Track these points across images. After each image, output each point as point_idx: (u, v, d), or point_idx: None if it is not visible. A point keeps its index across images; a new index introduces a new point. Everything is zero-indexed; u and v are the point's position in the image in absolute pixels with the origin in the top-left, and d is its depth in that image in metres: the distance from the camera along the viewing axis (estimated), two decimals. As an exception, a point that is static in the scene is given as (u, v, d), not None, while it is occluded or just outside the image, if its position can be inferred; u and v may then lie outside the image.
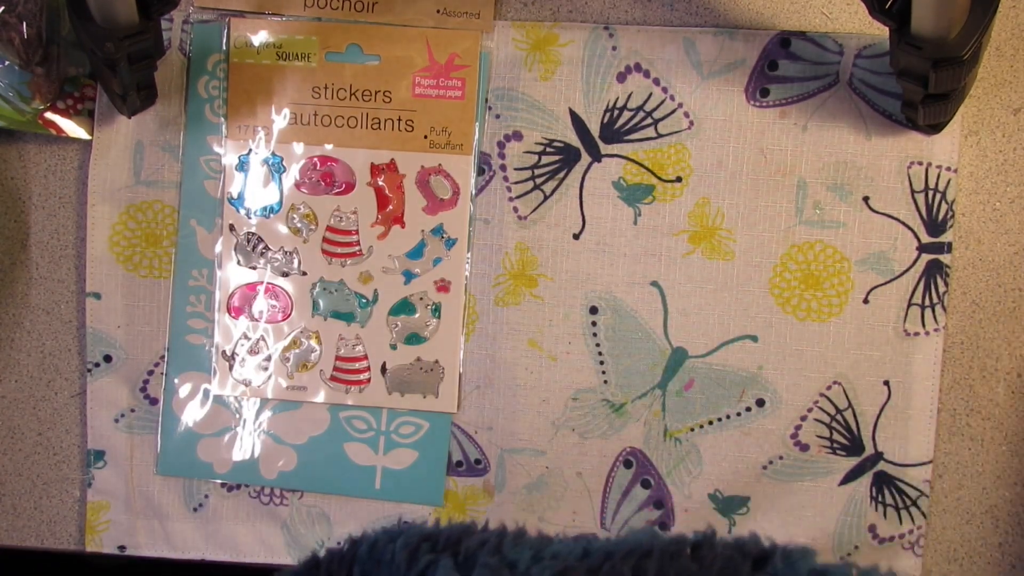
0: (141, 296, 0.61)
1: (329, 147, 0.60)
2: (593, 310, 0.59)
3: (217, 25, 0.60)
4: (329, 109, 0.59)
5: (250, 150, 0.60)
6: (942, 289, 0.58)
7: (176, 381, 0.61)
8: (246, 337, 0.60)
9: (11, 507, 0.63)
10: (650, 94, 0.58)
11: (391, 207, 0.60)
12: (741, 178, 0.58)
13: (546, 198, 0.59)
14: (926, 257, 0.58)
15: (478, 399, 0.60)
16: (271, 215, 0.60)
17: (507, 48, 0.59)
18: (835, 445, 0.59)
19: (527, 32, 0.59)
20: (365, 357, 0.60)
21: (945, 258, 0.58)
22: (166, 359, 0.61)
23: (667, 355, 0.59)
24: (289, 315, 0.60)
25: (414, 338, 0.60)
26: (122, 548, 0.62)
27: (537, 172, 0.59)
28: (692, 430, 0.59)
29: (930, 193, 0.57)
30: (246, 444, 0.61)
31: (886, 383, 0.58)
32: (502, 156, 0.59)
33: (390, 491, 0.61)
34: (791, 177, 0.58)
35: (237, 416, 0.61)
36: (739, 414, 0.59)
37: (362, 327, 0.60)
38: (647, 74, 0.58)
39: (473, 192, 0.60)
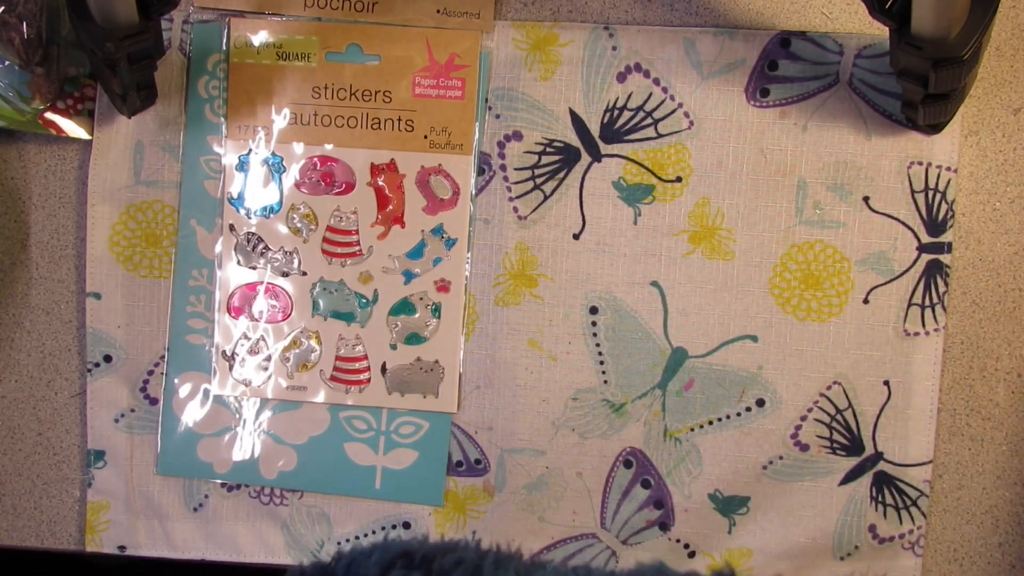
0: (141, 296, 0.61)
1: (329, 147, 0.60)
2: (593, 310, 0.59)
3: (217, 25, 0.60)
4: (329, 109, 0.59)
5: (250, 150, 0.60)
6: (942, 289, 0.58)
7: (176, 381, 0.61)
8: (246, 337, 0.60)
9: (11, 507, 0.63)
10: (650, 94, 0.58)
11: (391, 207, 0.60)
12: (741, 178, 0.58)
13: (546, 198, 0.59)
14: (926, 257, 0.58)
15: (478, 399, 0.60)
16: (271, 215, 0.60)
17: (507, 48, 0.59)
18: (835, 445, 0.59)
19: (527, 32, 0.59)
20: (365, 357, 0.60)
21: (945, 258, 0.58)
22: (166, 359, 0.61)
23: (667, 355, 0.59)
24: (289, 315, 0.60)
25: (414, 338, 0.60)
26: (122, 548, 0.62)
27: (537, 172, 0.59)
28: (692, 430, 0.59)
29: (930, 193, 0.57)
30: (246, 444, 0.61)
31: (886, 383, 0.58)
32: (502, 156, 0.59)
33: (390, 491, 0.61)
34: (791, 177, 0.58)
35: (237, 416, 0.61)
36: (739, 414, 0.59)
37: (362, 327, 0.60)
38: (647, 74, 0.58)
39: (473, 192, 0.60)
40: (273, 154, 0.60)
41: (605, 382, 0.59)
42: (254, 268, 0.60)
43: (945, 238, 0.57)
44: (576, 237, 0.59)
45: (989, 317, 0.58)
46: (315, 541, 0.61)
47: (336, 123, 0.59)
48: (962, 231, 0.58)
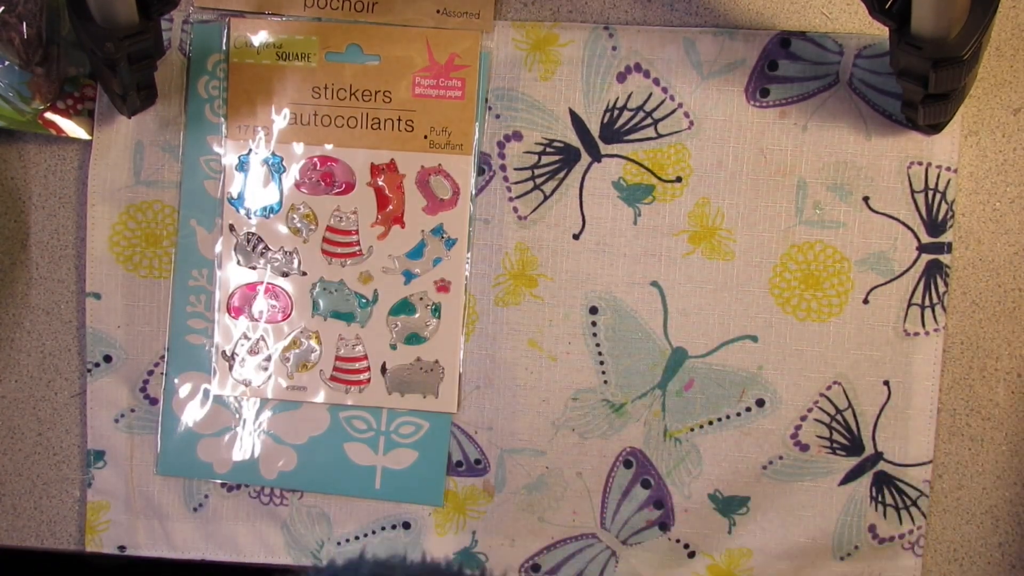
0: (141, 296, 0.61)
1: (329, 147, 0.60)
2: (593, 310, 0.59)
3: (217, 25, 0.60)
4: (329, 109, 0.59)
5: (250, 150, 0.60)
6: (942, 289, 0.58)
7: (176, 381, 0.61)
8: (246, 337, 0.60)
9: (11, 507, 0.63)
10: (650, 94, 0.58)
11: (391, 207, 0.60)
12: (741, 178, 0.58)
13: (546, 198, 0.59)
14: (926, 257, 0.58)
15: (478, 399, 0.60)
16: (271, 215, 0.60)
17: (507, 48, 0.59)
18: (835, 445, 0.59)
19: (527, 32, 0.59)
20: (365, 357, 0.60)
21: (945, 258, 0.58)
22: (166, 359, 0.61)
23: (667, 355, 0.59)
24: (289, 315, 0.60)
25: (414, 338, 0.60)
26: (122, 548, 0.62)
27: (537, 172, 0.59)
28: (692, 430, 0.59)
29: (930, 193, 0.57)
30: (246, 444, 0.61)
31: (886, 383, 0.58)
32: (502, 156, 0.59)
33: (390, 491, 0.61)
34: (791, 177, 0.58)
35: (237, 416, 0.61)
36: (739, 414, 0.59)
37: (362, 327, 0.60)
38: (647, 74, 0.58)
39: (473, 192, 0.60)
40: (273, 154, 0.60)
41: (605, 382, 0.59)
42: (254, 268, 0.60)
43: (945, 238, 0.57)
44: (576, 237, 0.59)
45: (989, 317, 0.58)
46: (315, 541, 0.61)
47: (336, 123, 0.59)
48: (962, 231, 0.58)
